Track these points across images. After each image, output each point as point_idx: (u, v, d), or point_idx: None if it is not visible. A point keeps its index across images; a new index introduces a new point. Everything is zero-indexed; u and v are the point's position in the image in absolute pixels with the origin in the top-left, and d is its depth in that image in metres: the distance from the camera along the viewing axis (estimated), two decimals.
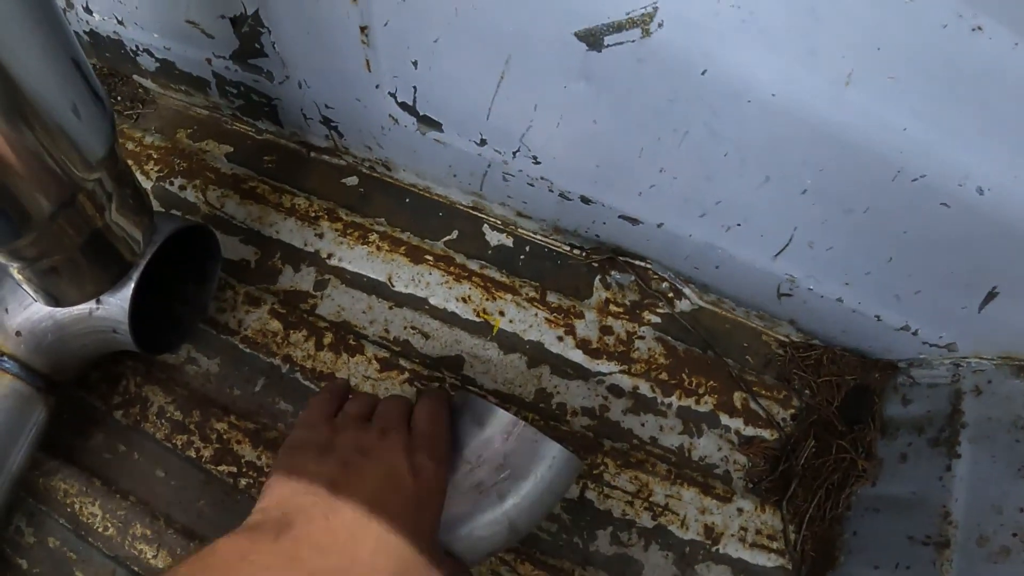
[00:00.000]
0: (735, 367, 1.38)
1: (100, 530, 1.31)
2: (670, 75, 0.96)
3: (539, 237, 1.48)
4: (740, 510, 1.31)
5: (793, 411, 1.36)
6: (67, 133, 0.83)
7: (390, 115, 1.33)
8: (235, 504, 1.33)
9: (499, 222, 1.50)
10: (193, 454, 1.35)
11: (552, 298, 1.43)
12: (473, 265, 1.46)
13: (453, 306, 1.43)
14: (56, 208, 0.88)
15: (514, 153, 1.27)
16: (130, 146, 1.65)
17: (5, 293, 1.21)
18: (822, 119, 0.91)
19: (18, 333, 1.21)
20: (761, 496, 1.32)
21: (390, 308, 1.44)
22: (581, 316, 1.42)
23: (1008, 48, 0.75)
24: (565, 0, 0.93)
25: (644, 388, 1.37)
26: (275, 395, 1.39)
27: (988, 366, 1.18)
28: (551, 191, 1.31)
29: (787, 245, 1.16)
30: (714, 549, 1.29)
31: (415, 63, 1.17)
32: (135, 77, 1.72)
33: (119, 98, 1.73)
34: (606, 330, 1.41)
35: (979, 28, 0.74)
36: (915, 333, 1.21)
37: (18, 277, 1.07)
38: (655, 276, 1.42)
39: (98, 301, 1.18)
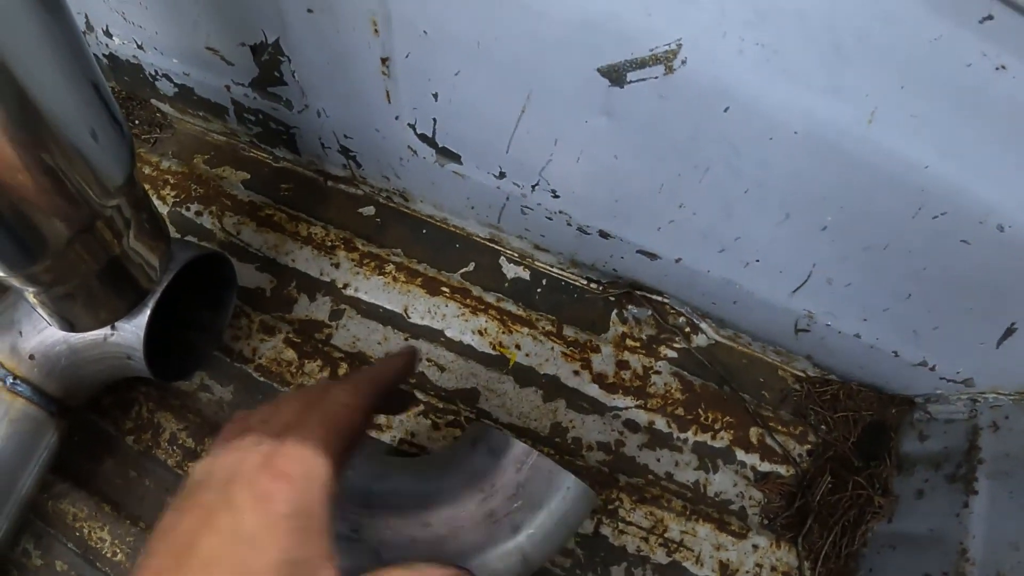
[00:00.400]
0: (751, 402, 1.38)
1: (108, 555, 1.32)
2: (692, 112, 0.97)
3: (556, 270, 1.49)
4: (755, 546, 1.31)
5: (809, 447, 1.36)
6: (86, 158, 0.84)
7: (409, 146, 1.34)
8: None
9: (516, 255, 1.51)
10: None
11: (569, 332, 1.44)
12: (490, 297, 1.47)
13: (469, 339, 1.44)
14: (73, 234, 0.89)
15: (533, 187, 1.28)
16: (147, 170, 1.66)
17: (19, 316, 1.22)
18: (845, 157, 0.92)
19: (32, 357, 1.21)
20: (777, 532, 1.32)
21: (406, 339, 1.44)
22: (597, 350, 1.42)
23: None
24: (588, 36, 0.94)
25: (660, 423, 1.38)
26: None
27: (1006, 401, 1.18)
28: (569, 225, 1.32)
29: (806, 281, 1.17)
30: None
31: (435, 95, 1.19)
32: (153, 101, 1.73)
33: (137, 122, 1.75)
34: (622, 364, 1.41)
35: (1003, 67, 0.75)
36: (932, 368, 1.22)
37: (33, 301, 1.07)
38: (672, 311, 1.43)
39: (113, 327, 1.20)
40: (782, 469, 1.35)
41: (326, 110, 1.38)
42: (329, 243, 1.53)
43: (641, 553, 1.29)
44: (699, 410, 1.38)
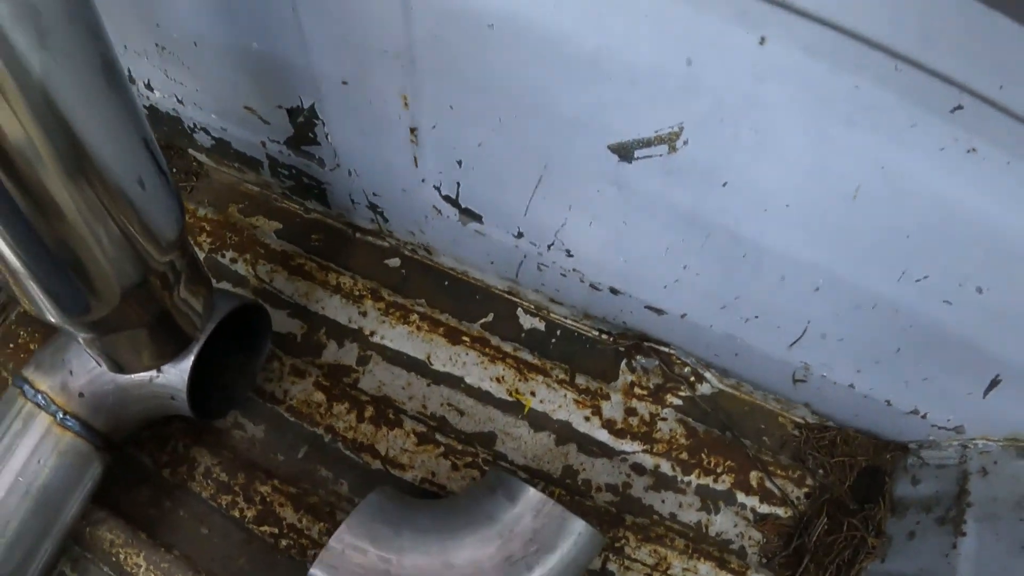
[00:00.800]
0: (752, 447, 1.47)
1: None
2: (694, 185, 1.07)
3: (570, 322, 1.59)
4: None
5: (807, 490, 1.44)
6: (139, 211, 0.92)
7: (434, 206, 1.45)
8: (274, 563, 1.42)
9: (532, 307, 1.61)
10: (237, 514, 1.45)
11: (580, 380, 1.53)
12: (507, 347, 1.57)
13: (487, 385, 1.53)
14: (128, 289, 0.98)
15: (549, 246, 1.38)
16: (184, 218, 1.76)
17: (70, 357, 1.33)
18: (832, 227, 1.02)
19: (81, 394, 1.32)
20: (775, 571, 1.40)
21: (428, 385, 1.54)
22: (607, 397, 1.51)
23: (1002, 166, 0.85)
24: (600, 117, 1.04)
25: (665, 467, 1.46)
26: (317, 462, 1.49)
27: (995, 447, 1.26)
28: (582, 281, 1.42)
29: (801, 336, 1.26)
30: None
31: (460, 162, 1.29)
32: (190, 151, 1.84)
33: (174, 170, 1.86)
34: (631, 411, 1.50)
35: (973, 150, 0.85)
36: (924, 416, 1.29)
37: (84, 344, 1.17)
38: (678, 361, 1.52)
39: (159, 369, 1.30)
40: (780, 511, 1.43)
41: (357, 170, 1.49)
42: (357, 292, 1.63)
43: None
44: (702, 454, 1.47)
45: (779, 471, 1.46)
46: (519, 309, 1.62)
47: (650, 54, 0.91)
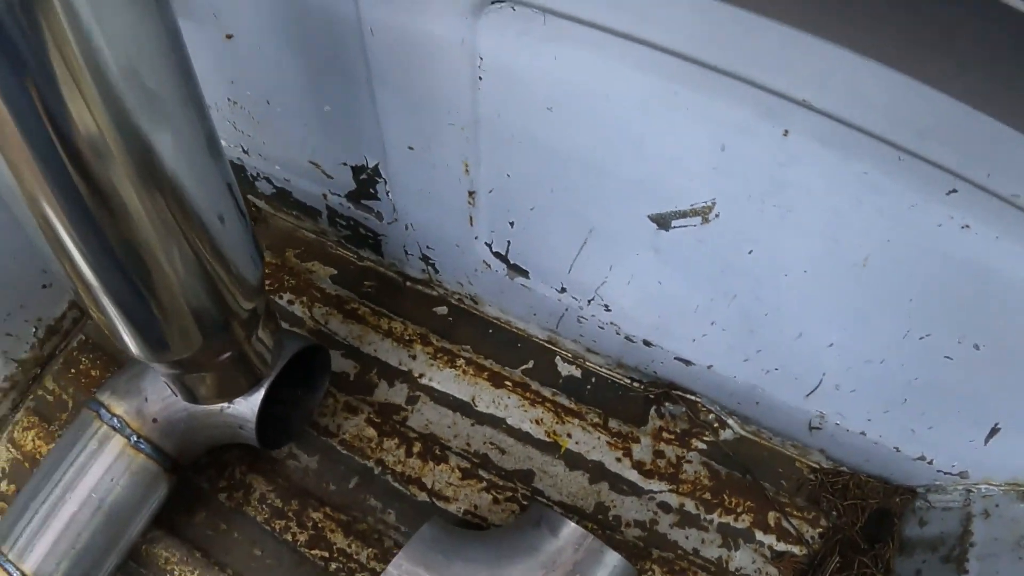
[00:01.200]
0: (771, 490, 1.59)
1: None
2: (723, 252, 1.21)
3: (604, 370, 1.73)
4: None
5: (821, 530, 1.57)
6: (226, 260, 1.03)
7: (484, 261, 1.59)
8: None
9: (570, 355, 1.75)
10: (289, 538, 1.58)
11: (613, 424, 1.67)
12: (546, 392, 1.71)
13: (527, 427, 1.67)
14: (211, 332, 1.09)
15: (589, 301, 1.52)
16: None
17: (146, 384, 1.46)
18: (844, 292, 1.15)
19: (155, 420, 1.45)
20: None
21: (472, 425, 1.68)
22: (637, 440, 1.65)
23: (991, 240, 0.98)
24: (642, 191, 1.19)
25: (690, 506, 1.58)
26: (367, 493, 1.62)
27: (996, 492, 1.37)
28: (618, 334, 1.56)
29: (817, 387, 1.39)
30: None
31: (512, 223, 1.44)
32: (250, 196, 2.00)
33: None
34: (659, 454, 1.63)
35: (967, 226, 0.98)
36: (930, 462, 1.40)
37: (162, 375, 1.29)
38: (703, 409, 1.65)
39: (230, 401, 1.43)
40: (796, 549, 1.55)
41: (413, 225, 1.64)
42: (407, 337, 1.78)
43: None
44: (724, 495, 1.59)
45: (795, 512, 1.58)
46: (557, 357, 1.76)
47: (689, 140, 1.05)
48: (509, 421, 1.68)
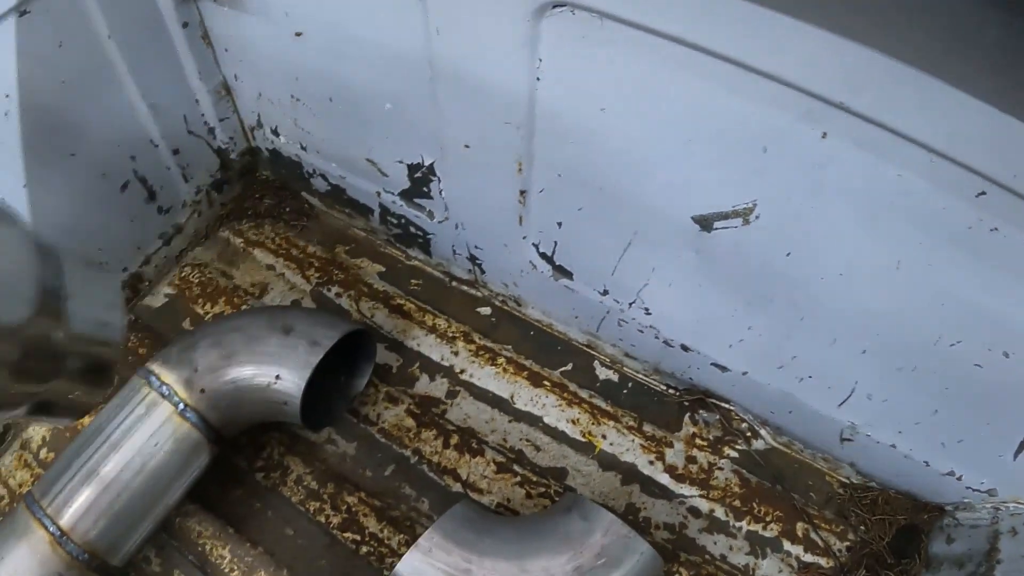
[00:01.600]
0: (800, 501, 1.65)
1: (226, 571, 1.60)
2: (762, 254, 1.29)
3: (641, 376, 1.81)
4: None
5: (848, 543, 1.61)
6: None
7: (530, 261, 1.69)
8: (353, 568, 1.61)
9: (608, 360, 1.83)
10: (323, 519, 1.65)
11: (648, 428, 1.74)
12: (583, 394, 1.79)
13: (563, 426, 1.75)
14: None
15: (630, 304, 1.61)
16: (294, 252, 2.06)
17: (197, 356, 1.55)
18: (878, 296, 1.22)
19: (202, 391, 1.52)
20: None
21: (509, 421, 1.76)
22: (671, 445, 1.72)
23: (1020, 243, 1.03)
24: (687, 192, 1.28)
25: (719, 512, 1.64)
26: (402, 480, 1.70)
27: None
28: (657, 337, 1.64)
29: (849, 396, 1.45)
30: None
31: (560, 224, 1.53)
32: (303, 194, 2.12)
33: (288, 209, 2.15)
34: (691, 459, 1.70)
35: (995, 229, 1.03)
36: (960, 479, 1.45)
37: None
38: (736, 417, 1.72)
39: (278, 377, 1.53)
40: (823, 561, 1.61)
41: (463, 224, 1.73)
42: (450, 334, 1.88)
43: None
44: (754, 503, 1.65)
45: (823, 524, 1.64)
46: (596, 361, 1.84)
47: (734, 142, 1.14)
48: (546, 419, 1.76)
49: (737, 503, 1.66)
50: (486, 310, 1.93)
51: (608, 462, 1.71)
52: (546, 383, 1.81)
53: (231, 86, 1.93)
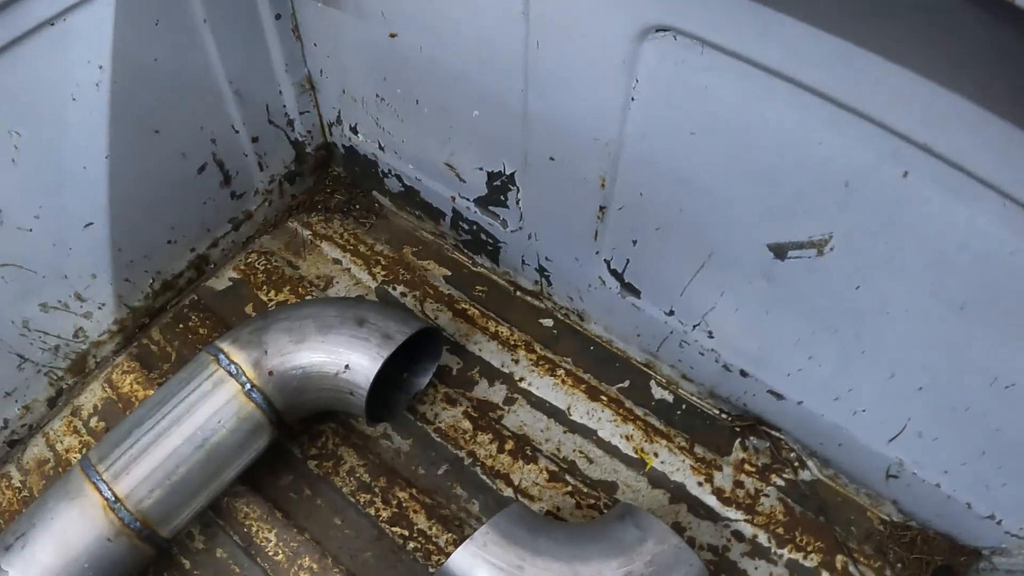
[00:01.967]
0: (841, 534, 1.75)
1: (271, 554, 1.71)
2: (832, 286, 1.39)
3: (695, 398, 1.92)
4: None
5: None
6: None
7: (600, 277, 1.80)
8: (399, 562, 1.71)
9: (665, 380, 1.95)
10: (372, 512, 1.76)
11: (699, 450, 1.85)
12: (638, 411, 1.91)
13: (617, 441, 1.86)
14: None
15: (694, 326, 1.72)
16: (361, 248, 2.21)
17: (268, 339, 1.65)
18: (940, 335, 1.31)
19: (271, 373, 1.63)
20: None
21: (564, 432, 1.88)
22: (720, 469, 1.82)
23: None
24: (766, 220, 1.38)
25: (762, 537, 1.74)
26: (454, 481, 1.81)
27: None
28: (717, 361, 1.75)
29: (900, 432, 1.54)
30: None
31: (634, 241, 1.65)
32: (375, 193, 2.25)
33: (357, 206, 2.30)
34: (738, 484, 1.80)
35: None
36: (999, 523, 1.52)
37: None
38: (786, 447, 1.83)
39: (347, 366, 1.62)
40: None
41: (537, 235, 1.85)
42: (512, 342, 2.01)
43: None
44: (796, 532, 1.74)
45: (862, 559, 1.72)
46: (652, 381, 1.95)
47: (818, 174, 1.24)
48: (600, 433, 1.87)
49: (780, 531, 1.75)
50: (548, 322, 2.06)
51: (658, 480, 1.81)
52: (603, 397, 1.92)
53: (315, 81, 2.07)
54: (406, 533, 1.74)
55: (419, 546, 1.72)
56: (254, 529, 1.73)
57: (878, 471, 1.67)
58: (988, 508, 1.53)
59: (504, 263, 2.06)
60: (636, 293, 1.78)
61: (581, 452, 1.85)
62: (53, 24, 1.48)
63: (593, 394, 1.93)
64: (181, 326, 2.07)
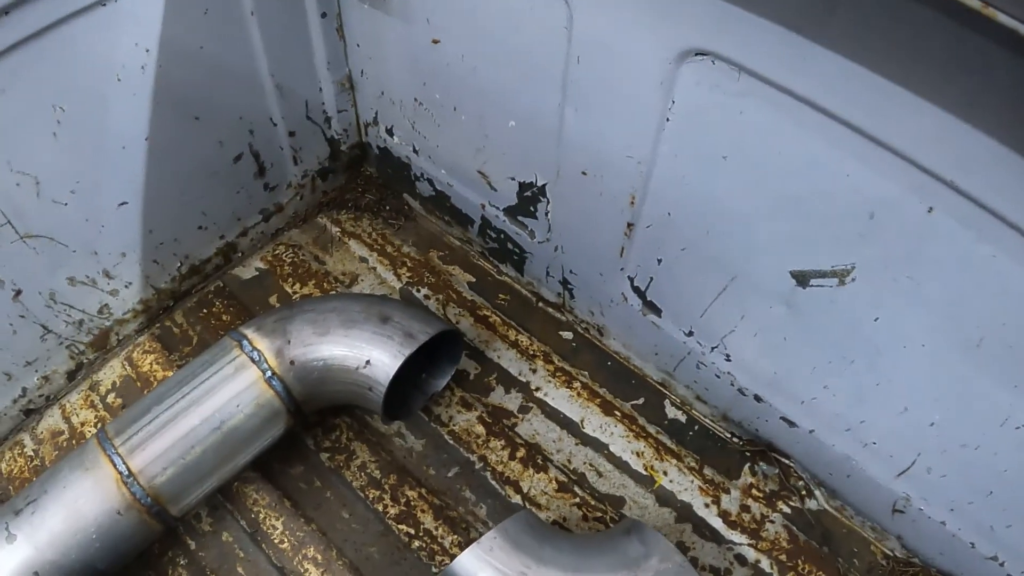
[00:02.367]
0: (843, 566, 1.78)
1: (276, 541, 1.75)
2: (851, 316, 1.43)
3: (708, 421, 1.96)
4: None
5: None
6: None
7: (622, 293, 1.85)
8: (402, 560, 1.75)
9: (679, 400, 2.00)
10: (380, 508, 1.81)
11: (708, 471, 1.89)
12: (651, 429, 1.95)
13: (627, 456, 1.91)
14: None
15: (713, 348, 1.76)
16: (388, 249, 2.26)
17: (292, 328, 1.69)
18: (955, 371, 1.35)
19: (292, 362, 1.67)
20: None
21: (576, 444, 1.92)
22: (728, 491, 1.86)
23: None
24: (790, 247, 1.43)
25: (764, 563, 1.77)
26: (464, 483, 1.86)
27: None
28: (732, 384, 1.79)
29: (909, 467, 1.57)
30: None
31: (659, 260, 1.69)
32: (405, 195, 2.30)
33: (387, 208, 2.36)
34: (745, 508, 1.84)
35: None
36: (1002, 565, 1.55)
37: None
38: (795, 474, 1.87)
39: (368, 362, 1.67)
40: None
41: (563, 247, 1.90)
42: (531, 352, 2.06)
43: None
44: (799, 560, 1.77)
45: None
46: (667, 400, 2.00)
47: (844, 204, 1.28)
48: (612, 448, 1.92)
49: (783, 557, 1.78)
50: (568, 334, 2.11)
51: (665, 498, 1.85)
52: (616, 413, 1.97)
53: (355, 80, 2.13)
54: (412, 531, 1.78)
55: (424, 545, 1.76)
56: (262, 516, 1.78)
57: (885, 505, 1.70)
58: (992, 549, 1.56)
59: (528, 273, 2.12)
60: (657, 312, 1.82)
61: (591, 465, 1.89)
62: (105, 4, 1.55)
63: (607, 409, 1.98)
64: (205, 311, 2.13)
